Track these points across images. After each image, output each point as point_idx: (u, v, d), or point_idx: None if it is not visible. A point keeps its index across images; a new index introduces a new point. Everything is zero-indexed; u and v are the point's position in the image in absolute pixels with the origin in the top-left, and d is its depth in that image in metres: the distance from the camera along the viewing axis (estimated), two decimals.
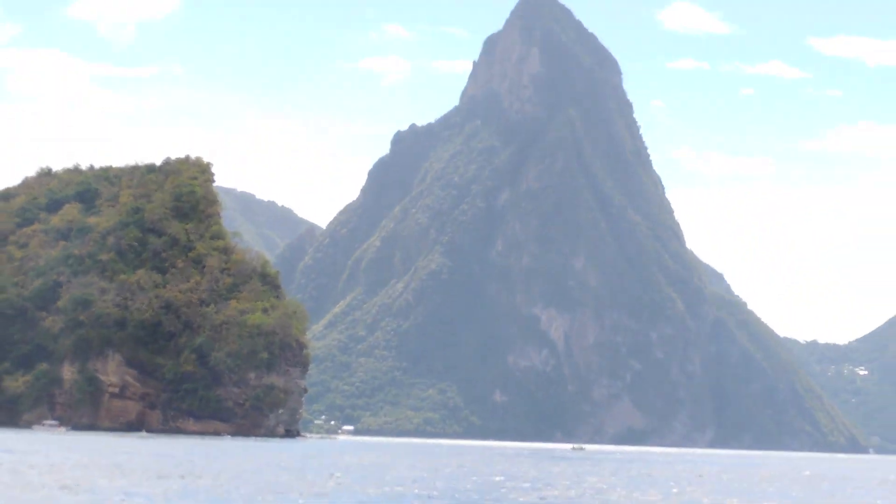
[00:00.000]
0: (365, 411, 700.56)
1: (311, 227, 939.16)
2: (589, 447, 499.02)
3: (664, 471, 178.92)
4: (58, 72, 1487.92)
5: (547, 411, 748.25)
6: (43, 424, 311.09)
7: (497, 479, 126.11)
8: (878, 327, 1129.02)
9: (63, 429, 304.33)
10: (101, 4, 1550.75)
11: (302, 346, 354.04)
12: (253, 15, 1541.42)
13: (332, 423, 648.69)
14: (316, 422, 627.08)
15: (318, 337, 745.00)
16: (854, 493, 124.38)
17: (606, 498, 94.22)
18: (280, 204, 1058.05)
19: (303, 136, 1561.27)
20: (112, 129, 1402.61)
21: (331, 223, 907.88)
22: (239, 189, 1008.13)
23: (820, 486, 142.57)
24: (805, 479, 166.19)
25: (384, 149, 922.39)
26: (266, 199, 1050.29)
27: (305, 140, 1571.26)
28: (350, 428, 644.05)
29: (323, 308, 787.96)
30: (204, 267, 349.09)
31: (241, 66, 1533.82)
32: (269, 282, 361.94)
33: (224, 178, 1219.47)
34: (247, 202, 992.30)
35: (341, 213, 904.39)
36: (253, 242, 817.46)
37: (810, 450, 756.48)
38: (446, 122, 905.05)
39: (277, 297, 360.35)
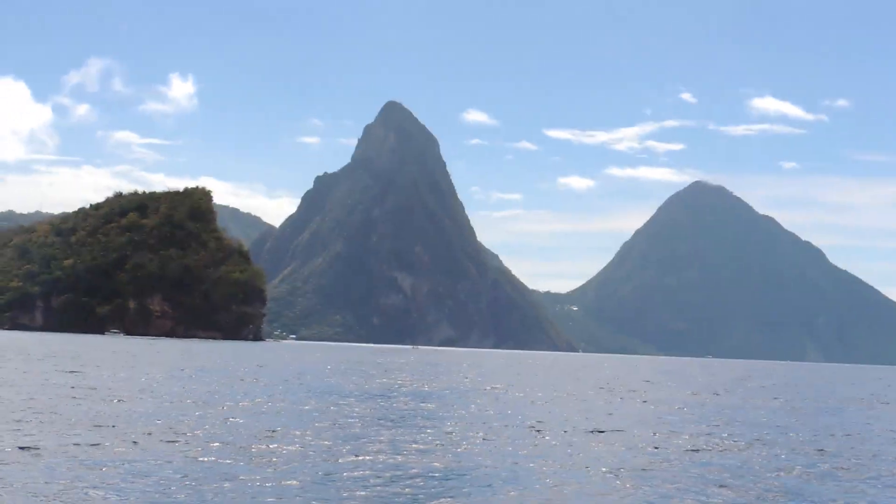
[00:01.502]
0: (302, 327, 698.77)
1: (270, 227, 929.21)
2: (421, 347, 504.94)
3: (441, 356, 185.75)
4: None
5: (403, 328, 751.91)
6: (110, 331, 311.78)
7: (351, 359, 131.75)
8: (583, 284, 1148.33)
9: (121, 334, 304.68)
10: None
11: (261, 290, 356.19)
12: (223, 95, 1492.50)
13: (284, 333, 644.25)
14: (274, 333, 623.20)
15: (276, 287, 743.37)
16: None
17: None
18: (253, 214, 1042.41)
19: (268, 177, 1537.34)
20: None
21: (281, 224, 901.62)
22: (230, 205, 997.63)
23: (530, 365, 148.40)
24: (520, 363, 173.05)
25: (309, 185, 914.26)
26: (244, 211, 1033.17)
27: (270, 178, 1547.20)
28: (294, 336, 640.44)
29: (278, 271, 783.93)
30: (207, 246, 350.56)
31: (229, 139, 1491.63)
32: (243, 255, 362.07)
33: (221, 199, 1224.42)
34: (234, 213, 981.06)
35: (287, 219, 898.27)
36: (237, 233, 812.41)
37: (547, 350, 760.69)
38: (344, 170, 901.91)
39: (248, 263, 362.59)
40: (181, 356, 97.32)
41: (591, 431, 33.14)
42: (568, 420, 37.96)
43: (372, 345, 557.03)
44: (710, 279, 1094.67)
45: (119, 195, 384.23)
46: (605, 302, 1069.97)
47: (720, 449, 29.75)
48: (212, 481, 20.83)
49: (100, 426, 29.47)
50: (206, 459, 23.52)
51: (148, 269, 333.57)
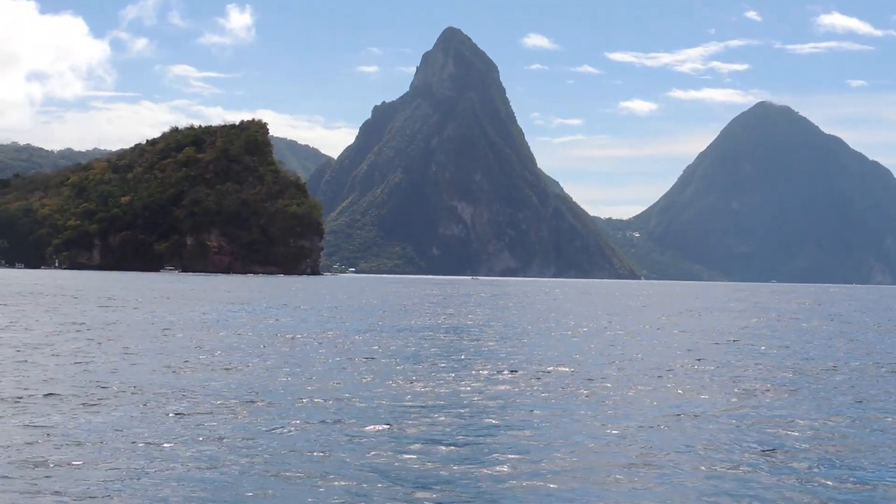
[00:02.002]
0: (361, 260, 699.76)
1: (329, 159, 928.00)
2: (481, 278, 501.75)
3: (510, 287, 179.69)
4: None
5: (462, 259, 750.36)
6: (166, 269, 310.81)
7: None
8: (645, 210, 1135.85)
9: (177, 272, 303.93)
10: None
11: (319, 224, 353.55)
12: (281, 26, 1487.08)
13: (343, 266, 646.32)
14: (333, 266, 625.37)
15: (334, 220, 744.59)
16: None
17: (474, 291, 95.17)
18: (312, 146, 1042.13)
19: (327, 109, 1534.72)
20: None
21: (339, 156, 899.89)
22: (289, 138, 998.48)
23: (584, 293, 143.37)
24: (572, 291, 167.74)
25: (368, 115, 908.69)
26: (303, 143, 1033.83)
27: (329, 109, 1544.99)
28: (353, 269, 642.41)
29: (337, 203, 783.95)
30: (264, 180, 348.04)
31: (288, 71, 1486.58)
32: (300, 188, 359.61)
33: (279, 132, 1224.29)
34: (293, 145, 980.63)
35: (345, 150, 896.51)
36: (295, 166, 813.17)
37: (609, 278, 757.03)
38: (402, 99, 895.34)
39: (305, 196, 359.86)
40: (219, 293, 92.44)
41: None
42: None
43: (431, 276, 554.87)
44: (775, 202, 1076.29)
45: (175, 130, 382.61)
46: (668, 227, 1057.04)
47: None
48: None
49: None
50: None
51: (205, 204, 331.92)
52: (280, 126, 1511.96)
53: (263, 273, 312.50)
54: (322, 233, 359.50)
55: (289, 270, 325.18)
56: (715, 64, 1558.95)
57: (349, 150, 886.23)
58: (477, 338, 44.72)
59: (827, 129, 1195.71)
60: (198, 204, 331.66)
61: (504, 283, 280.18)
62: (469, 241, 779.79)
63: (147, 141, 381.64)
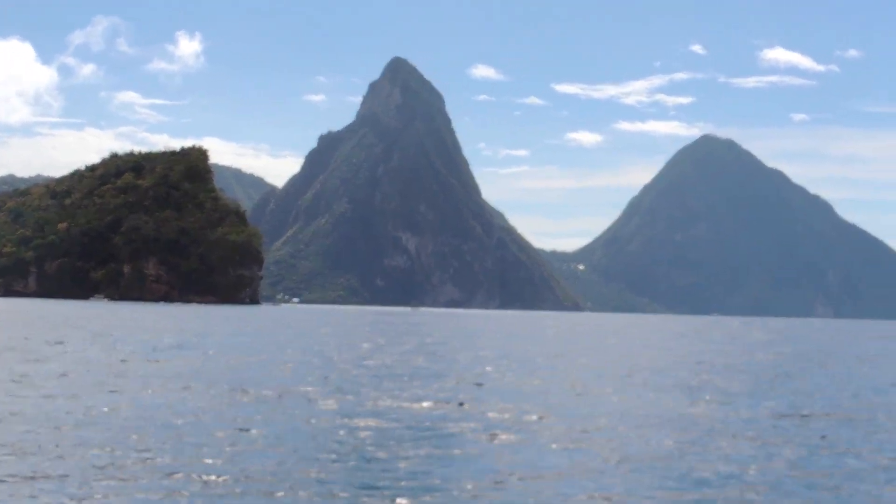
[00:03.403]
0: (305, 290, 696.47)
1: (274, 188, 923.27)
2: (423, 309, 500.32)
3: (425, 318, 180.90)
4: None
5: (407, 290, 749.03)
6: (95, 297, 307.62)
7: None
8: (590, 242, 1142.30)
9: (105, 300, 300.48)
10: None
11: (259, 252, 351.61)
12: (230, 54, 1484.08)
13: (286, 297, 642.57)
14: (277, 297, 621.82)
15: (278, 249, 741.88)
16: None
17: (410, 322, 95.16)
18: (257, 175, 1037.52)
19: (273, 137, 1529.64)
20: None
21: (284, 185, 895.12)
22: (234, 166, 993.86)
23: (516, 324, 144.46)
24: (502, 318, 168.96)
25: (314, 144, 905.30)
26: (248, 172, 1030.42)
27: (275, 138, 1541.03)
28: (297, 299, 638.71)
29: (281, 232, 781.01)
30: (203, 207, 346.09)
31: (235, 98, 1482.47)
32: (240, 216, 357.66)
33: (225, 160, 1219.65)
34: (238, 174, 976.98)
35: (290, 179, 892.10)
36: (240, 194, 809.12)
37: (553, 310, 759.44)
38: (349, 128, 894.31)
39: (245, 224, 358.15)
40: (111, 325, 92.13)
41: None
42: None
43: (372, 307, 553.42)
44: (719, 234, 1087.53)
45: (115, 156, 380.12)
46: (613, 260, 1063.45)
47: None
48: None
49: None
50: None
51: (143, 231, 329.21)
52: (226, 154, 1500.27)
53: (201, 302, 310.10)
54: (262, 262, 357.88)
55: (228, 300, 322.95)
56: (660, 97, 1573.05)
57: (294, 179, 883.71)
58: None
59: (770, 163, 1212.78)
60: (136, 231, 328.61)
61: (438, 314, 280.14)
62: (414, 271, 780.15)
63: (86, 167, 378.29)
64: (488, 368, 42.81)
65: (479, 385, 33.81)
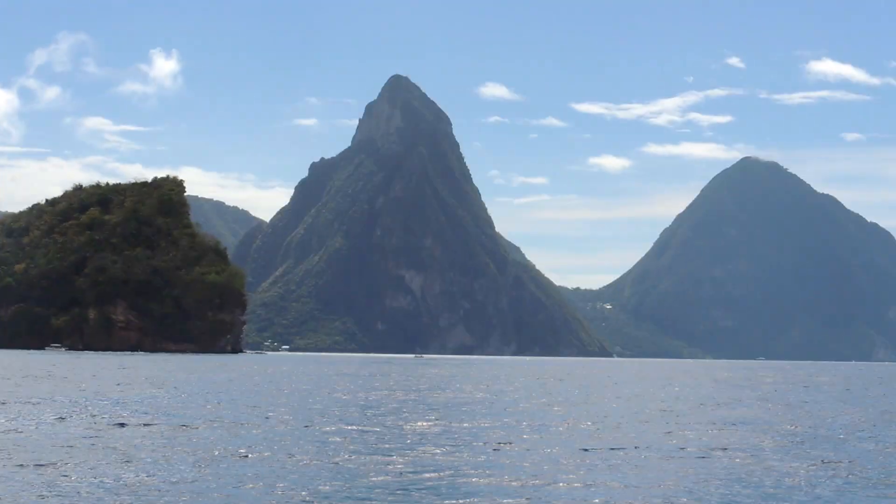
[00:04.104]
0: (296, 336, 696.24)
1: (261, 223, 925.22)
2: (427, 355, 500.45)
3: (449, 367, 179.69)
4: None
5: (411, 335, 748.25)
6: (51, 346, 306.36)
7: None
8: (617, 279, 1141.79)
9: (63, 349, 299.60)
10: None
11: (241, 294, 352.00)
12: (210, 74, 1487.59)
13: (275, 343, 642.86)
14: (265, 343, 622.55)
15: (266, 290, 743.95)
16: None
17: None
18: (241, 208, 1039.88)
19: (259, 166, 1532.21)
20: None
21: (272, 219, 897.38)
22: (216, 198, 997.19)
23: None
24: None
25: (305, 173, 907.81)
26: (231, 205, 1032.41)
27: (261, 167, 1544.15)
28: (287, 346, 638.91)
29: (269, 272, 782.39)
30: (178, 244, 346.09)
31: (217, 123, 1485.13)
32: (220, 254, 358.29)
33: (206, 192, 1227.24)
34: (220, 207, 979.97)
35: (278, 212, 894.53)
36: (223, 230, 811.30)
37: (577, 355, 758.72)
38: (343, 155, 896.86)
39: (226, 263, 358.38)
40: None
41: None
42: None
43: (372, 354, 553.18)
44: (763, 269, 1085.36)
45: (79, 188, 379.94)
46: (643, 298, 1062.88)
47: None
48: None
49: None
50: None
51: (110, 272, 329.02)
52: (207, 185, 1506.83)
53: (176, 351, 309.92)
54: (245, 305, 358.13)
55: (206, 348, 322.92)
56: (694, 116, 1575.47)
57: (283, 212, 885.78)
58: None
59: (820, 188, 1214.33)
60: (102, 272, 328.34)
61: (447, 362, 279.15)
62: (419, 314, 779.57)
63: (46, 201, 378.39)
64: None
65: None
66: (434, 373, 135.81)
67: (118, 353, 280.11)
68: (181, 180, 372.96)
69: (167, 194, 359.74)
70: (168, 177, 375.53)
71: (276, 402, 59.76)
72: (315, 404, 58.56)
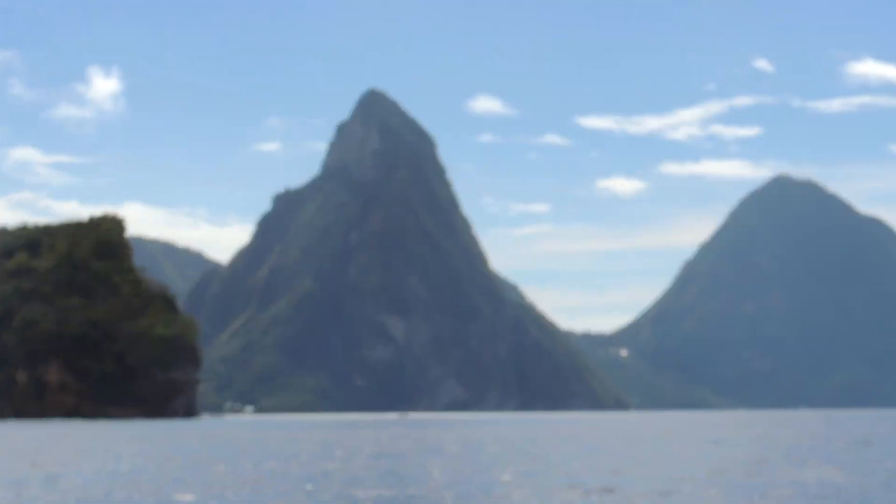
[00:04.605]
0: (262, 395, 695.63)
1: (217, 265, 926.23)
2: (413, 414, 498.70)
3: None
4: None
5: (395, 390, 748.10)
6: None
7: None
8: (634, 320, 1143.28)
9: None
10: None
11: (194, 349, 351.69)
12: (157, 94, 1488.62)
13: (237, 404, 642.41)
14: (226, 404, 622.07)
15: (225, 343, 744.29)
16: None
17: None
18: (194, 248, 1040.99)
19: (214, 199, 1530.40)
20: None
21: (231, 260, 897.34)
22: (163, 238, 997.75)
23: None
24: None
25: (267, 206, 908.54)
26: (182, 245, 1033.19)
27: (216, 200, 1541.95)
28: (251, 407, 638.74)
29: (228, 321, 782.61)
30: (120, 292, 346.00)
31: (164, 151, 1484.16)
32: (168, 303, 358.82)
33: (152, 231, 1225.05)
34: (169, 248, 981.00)
35: (238, 253, 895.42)
36: (173, 274, 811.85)
37: (589, 409, 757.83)
38: (312, 184, 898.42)
39: (175, 312, 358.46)
40: None
41: None
42: None
43: (350, 415, 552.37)
44: (800, 303, 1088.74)
45: (3, 231, 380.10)
46: (664, 342, 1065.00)
47: None
48: None
49: None
50: None
51: (41, 326, 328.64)
52: (153, 224, 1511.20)
53: (120, 416, 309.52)
54: (199, 361, 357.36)
55: (154, 412, 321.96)
56: (717, 129, 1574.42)
57: (243, 252, 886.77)
58: None
59: (864, 209, 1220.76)
60: (31, 327, 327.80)
61: (437, 422, 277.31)
62: (403, 366, 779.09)
63: None
64: None
65: None
66: (420, 436, 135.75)
67: (52, 420, 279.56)
68: (121, 218, 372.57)
69: (105, 235, 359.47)
70: (106, 215, 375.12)
71: None
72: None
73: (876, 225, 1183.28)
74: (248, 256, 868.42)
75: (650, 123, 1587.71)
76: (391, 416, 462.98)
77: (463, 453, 75.55)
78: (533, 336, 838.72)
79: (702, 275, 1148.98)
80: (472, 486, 44.97)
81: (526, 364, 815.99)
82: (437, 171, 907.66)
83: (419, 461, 64.32)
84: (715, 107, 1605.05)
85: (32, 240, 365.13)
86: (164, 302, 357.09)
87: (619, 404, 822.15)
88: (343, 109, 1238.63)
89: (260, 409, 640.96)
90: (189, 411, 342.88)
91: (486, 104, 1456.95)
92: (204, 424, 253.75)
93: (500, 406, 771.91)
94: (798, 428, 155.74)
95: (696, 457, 69.17)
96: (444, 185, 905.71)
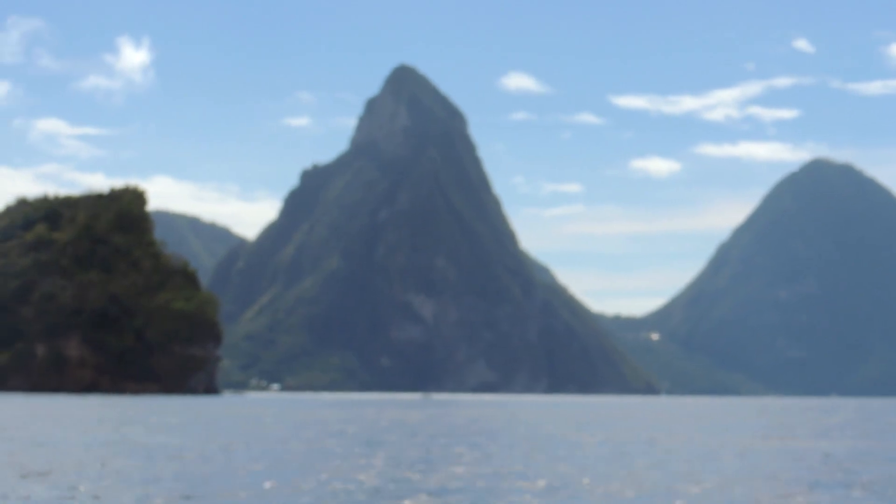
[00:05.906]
0: (287, 374, 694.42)
1: (244, 241, 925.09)
2: (437, 395, 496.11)
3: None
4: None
5: (423, 371, 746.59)
6: None
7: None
8: (665, 303, 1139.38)
9: None
10: None
11: (215, 324, 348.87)
12: (186, 67, 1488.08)
13: (263, 382, 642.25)
14: (251, 382, 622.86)
15: (251, 320, 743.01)
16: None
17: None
18: (221, 224, 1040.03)
19: (243, 174, 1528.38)
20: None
21: (258, 237, 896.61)
22: (191, 213, 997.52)
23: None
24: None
25: (295, 182, 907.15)
26: (208, 220, 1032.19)
27: (245, 175, 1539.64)
28: (277, 385, 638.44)
29: (254, 299, 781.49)
30: (140, 266, 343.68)
31: (193, 124, 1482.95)
32: (188, 278, 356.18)
33: (180, 205, 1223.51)
34: (195, 223, 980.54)
35: (265, 229, 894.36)
36: (200, 249, 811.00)
37: (619, 393, 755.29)
38: (341, 160, 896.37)
39: (196, 288, 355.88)
40: None
41: None
42: None
43: (375, 394, 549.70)
44: (836, 290, 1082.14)
45: (23, 202, 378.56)
46: (696, 326, 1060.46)
47: None
48: None
49: None
50: None
51: (60, 300, 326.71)
52: (181, 198, 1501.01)
53: (139, 392, 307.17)
54: (219, 337, 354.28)
55: (173, 388, 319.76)
56: (754, 110, 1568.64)
57: (270, 228, 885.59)
58: None
59: None
60: (51, 300, 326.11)
61: (461, 402, 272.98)
62: (431, 346, 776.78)
63: None
64: None
65: None
66: (446, 418, 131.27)
67: (71, 394, 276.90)
68: (142, 191, 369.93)
69: (126, 207, 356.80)
70: (128, 187, 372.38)
71: None
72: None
73: None
74: (275, 233, 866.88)
75: (686, 103, 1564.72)
76: (414, 396, 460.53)
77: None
78: (563, 318, 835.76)
79: (735, 259, 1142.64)
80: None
81: (555, 346, 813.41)
82: (468, 149, 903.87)
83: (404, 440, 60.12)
84: (753, 87, 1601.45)
85: (52, 211, 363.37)
86: (185, 277, 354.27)
87: (650, 389, 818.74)
88: (373, 85, 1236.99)
89: (285, 388, 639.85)
90: (209, 388, 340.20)
91: (519, 81, 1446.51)
92: (219, 402, 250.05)
93: (528, 388, 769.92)
94: (845, 415, 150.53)
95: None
96: (475, 163, 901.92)
